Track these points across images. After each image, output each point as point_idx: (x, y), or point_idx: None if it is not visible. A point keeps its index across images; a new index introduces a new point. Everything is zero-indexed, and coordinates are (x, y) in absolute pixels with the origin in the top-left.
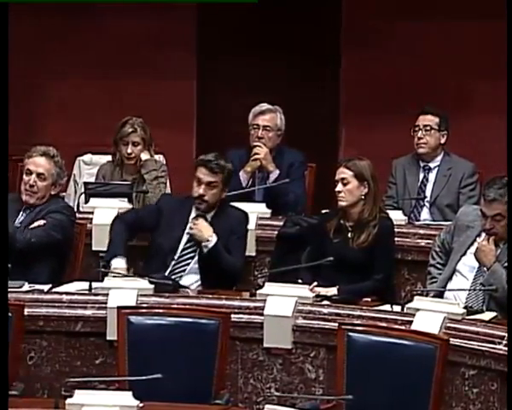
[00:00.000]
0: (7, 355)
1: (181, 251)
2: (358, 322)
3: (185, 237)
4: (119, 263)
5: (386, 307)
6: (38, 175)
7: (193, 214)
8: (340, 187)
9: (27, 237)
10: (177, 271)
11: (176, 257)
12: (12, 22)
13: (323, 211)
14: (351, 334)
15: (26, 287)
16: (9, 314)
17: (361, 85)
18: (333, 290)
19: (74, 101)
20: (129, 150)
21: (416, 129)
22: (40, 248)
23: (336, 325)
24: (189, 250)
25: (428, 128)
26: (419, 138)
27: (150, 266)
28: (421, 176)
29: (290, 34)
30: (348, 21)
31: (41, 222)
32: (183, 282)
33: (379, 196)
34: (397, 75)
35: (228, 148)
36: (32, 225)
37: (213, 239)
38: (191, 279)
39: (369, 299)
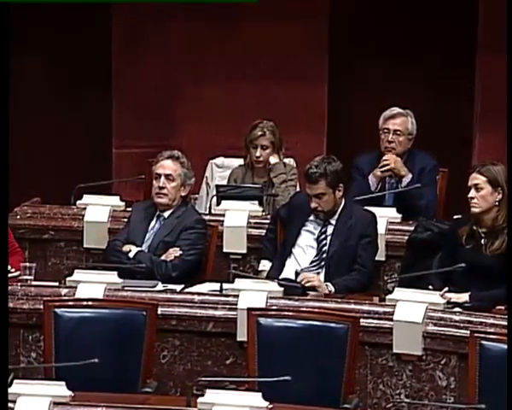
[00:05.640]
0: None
1: (314, 256)
2: (491, 330)
3: (305, 234)
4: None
5: None
6: (167, 177)
7: (311, 217)
8: (473, 193)
9: (169, 272)
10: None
11: (308, 261)
12: (152, 26)
13: (455, 217)
14: (483, 342)
15: (160, 287)
16: (144, 313)
17: (497, 88)
18: (465, 297)
19: (209, 104)
20: (257, 154)
21: None
22: (181, 276)
23: (468, 332)
24: (322, 256)
25: None
26: None
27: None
28: None
29: (422, 35)
30: (485, 21)
31: (176, 252)
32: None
33: None
34: None
35: (358, 151)
36: (170, 257)
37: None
38: None
39: (502, 307)
